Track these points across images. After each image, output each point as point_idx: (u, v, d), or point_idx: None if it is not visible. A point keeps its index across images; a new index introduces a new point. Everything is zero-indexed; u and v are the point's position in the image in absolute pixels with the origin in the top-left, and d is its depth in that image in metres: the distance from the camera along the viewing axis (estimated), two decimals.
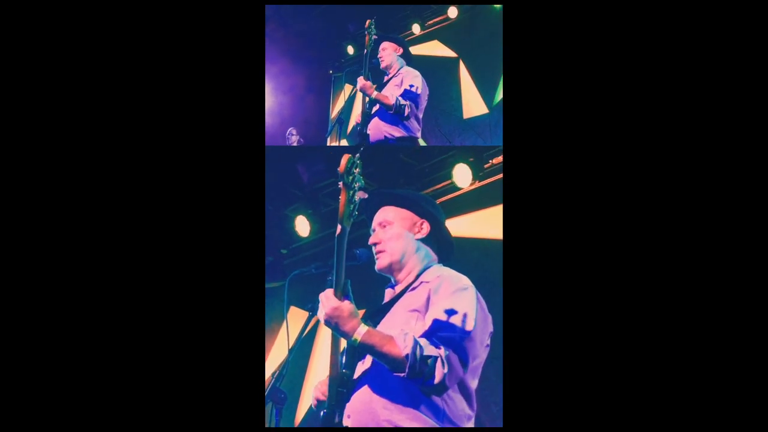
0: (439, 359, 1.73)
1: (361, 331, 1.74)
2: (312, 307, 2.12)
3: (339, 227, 1.80)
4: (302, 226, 4.71)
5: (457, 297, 1.85)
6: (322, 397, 1.94)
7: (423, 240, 2.03)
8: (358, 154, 1.81)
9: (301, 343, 2.10)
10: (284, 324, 2.14)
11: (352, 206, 1.80)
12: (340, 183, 1.80)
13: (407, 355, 1.71)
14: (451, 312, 1.81)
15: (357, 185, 1.80)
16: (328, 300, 1.76)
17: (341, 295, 1.77)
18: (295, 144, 5.70)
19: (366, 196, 1.91)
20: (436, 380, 1.72)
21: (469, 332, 1.79)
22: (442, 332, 1.77)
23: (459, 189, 4.06)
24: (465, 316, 1.81)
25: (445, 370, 1.73)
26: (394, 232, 2.01)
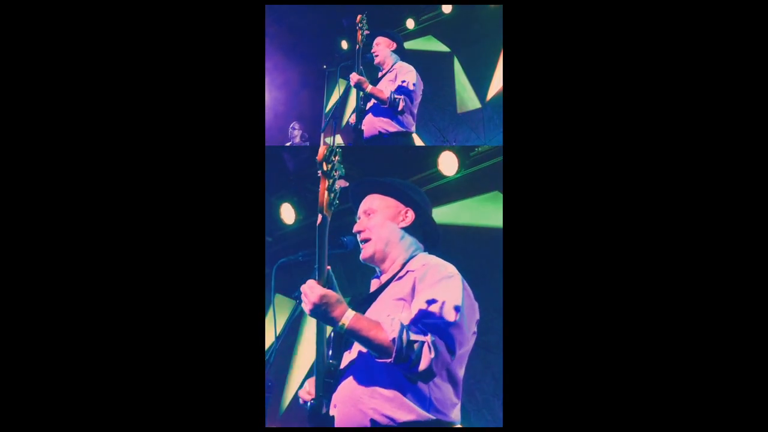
0: (425, 345, 1.72)
1: (349, 316, 1.73)
2: (298, 295, 2.13)
3: (320, 217, 1.78)
4: (287, 213, 4.69)
5: (443, 285, 1.84)
6: (307, 397, 1.94)
7: (407, 229, 2.03)
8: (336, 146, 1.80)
9: (288, 330, 2.10)
10: (271, 312, 2.14)
11: (332, 195, 1.78)
12: (319, 171, 1.79)
13: (394, 339, 1.70)
14: (437, 300, 1.80)
15: (337, 174, 1.78)
16: (312, 289, 1.74)
17: (324, 284, 1.76)
18: (298, 139, 5.70)
19: (347, 184, 1.89)
20: (423, 366, 1.71)
21: (455, 320, 1.78)
22: (428, 319, 1.77)
23: (445, 177, 4.06)
24: (451, 304, 1.80)
25: (432, 356, 1.72)
26: (378, 221, 2.01)
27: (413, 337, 1.72)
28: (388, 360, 1.71)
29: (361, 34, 3.68)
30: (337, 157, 1.78)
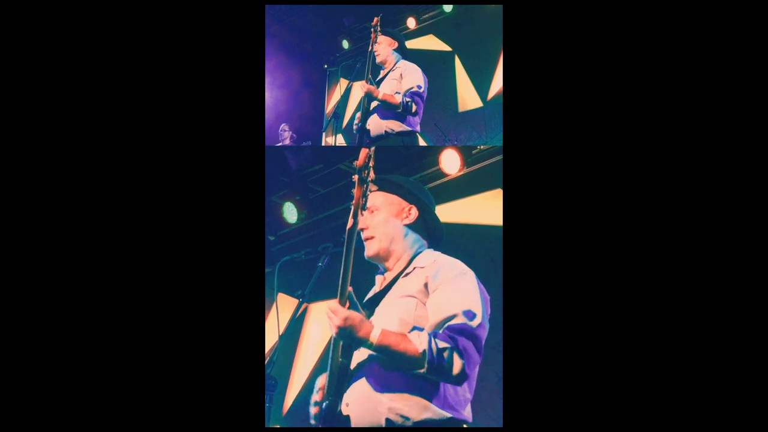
0: (455, 351, 1.72)
1: (376, 334, 1.73)
2: (302, 294, 2.14)
3: (351, 221, 1.80)
4: (290, 212, 4.74)
5: (460, 284, 1.84)
6: (320, 397, 1.95)
7: (411, 226, 2.02)
8: (374, 148, 1.83)
9: (291, 329, 2.10)
10: (274, 310, 2.14)
11: (364, 200, 1.81)
12: (355, 177, 1.81)
13: (424, 351, 1.70)
14: (457, 300, 1.80)
15: (371, 178, 1.82)
16: (336, 312, 1.74)
17: (343, 303, 1.76)
18: (288, 140, 5.75)
19: (377, 188, 1.93)
20: (456, 371, 1.72)
21: (479, 320, 1.79)
22: (453, 322, 1.77)
23: (447, 175, 4.08)
24: (471, 302, 1.81)
25: (463, 361, 1.72)
26: (381, 218, 2.00)
27: (441, 344, 1.72)
28: (421, 371, 1.71)
29: (375, 37, 3.68)
30: (372, 162, 1.81)
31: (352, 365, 1.87)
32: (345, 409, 1.82)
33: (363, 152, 1.81)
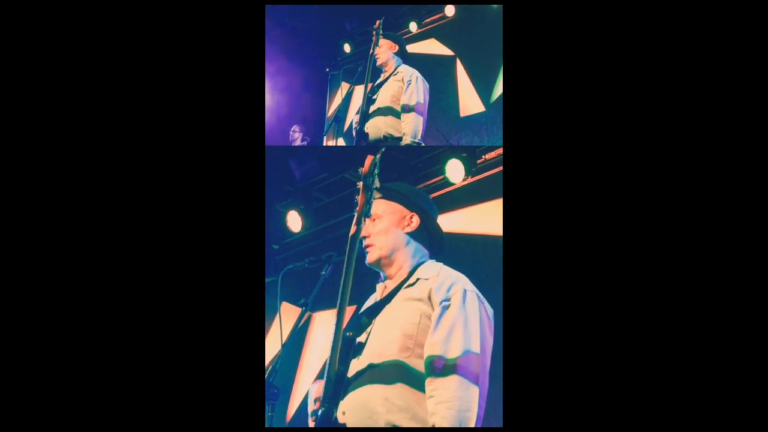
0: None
1: None
2: (305, 302, 2.14)
3: (354, 227, 1.81)
4: (294, 221, 4.74)
5: (469, 311, 1.83)
6: (316, 406, 1.95)
7: (412, 234, 2.02)
8: (379, 155, 1.83)
9: (294, 338, 2.10)
10: (277, 319, 2.14)
11: (368, 207, 1.82)
12: (360, 183, 1.82)
13: None
14: (467, 337, 1.79)
15: (375, 185, 1.84)
16: None
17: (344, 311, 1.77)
18: (298, 142, 5.73)
19: (381, 196, 1.94)
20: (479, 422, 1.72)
21: (484, 348, 1.80)
22: (466, 368, 1.75)
23: (452, 184, 4.08)
24: (477, 332, 1.81)
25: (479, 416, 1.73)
26: (383, 226, 2.00)
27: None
28: None
29: (377, 40, 3.70)
30: (377, 170, 1.84)
31: (350, 373, 1.86)
32: (341, 418, 1.81)
33: (368, 159, 1.82)
